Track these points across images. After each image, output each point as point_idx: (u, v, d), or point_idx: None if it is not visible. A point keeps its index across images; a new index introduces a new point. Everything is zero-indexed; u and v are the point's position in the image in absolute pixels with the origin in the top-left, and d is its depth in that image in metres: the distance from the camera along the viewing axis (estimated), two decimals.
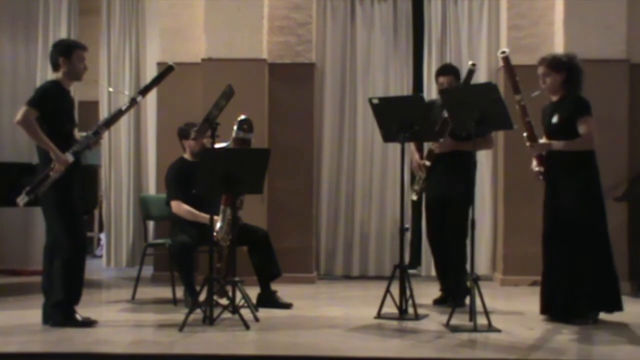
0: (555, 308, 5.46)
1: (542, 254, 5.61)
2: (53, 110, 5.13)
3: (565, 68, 5.49)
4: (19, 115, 5.09)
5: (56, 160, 5.04)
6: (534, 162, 5.63)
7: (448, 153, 6.00)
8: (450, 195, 5.99)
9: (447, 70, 6.25)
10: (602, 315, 5.46)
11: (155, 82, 5.56)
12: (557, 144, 5.43)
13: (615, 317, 5.45)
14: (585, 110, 5.43)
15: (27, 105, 5.11)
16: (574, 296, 5.36)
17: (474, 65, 6.08)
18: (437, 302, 6.14)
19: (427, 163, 6.07)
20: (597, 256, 5.38)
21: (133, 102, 5.40)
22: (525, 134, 5.52)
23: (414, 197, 6.21)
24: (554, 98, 5.57)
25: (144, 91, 5.50)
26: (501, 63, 5.51)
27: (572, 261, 5.36)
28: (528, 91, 5.57)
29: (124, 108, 5.40)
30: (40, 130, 5.05)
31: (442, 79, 6.14)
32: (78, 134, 5.44)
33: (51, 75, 8.00)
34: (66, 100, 5.29)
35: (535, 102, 5.60)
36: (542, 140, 5.52)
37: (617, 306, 5.43)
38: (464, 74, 6.32)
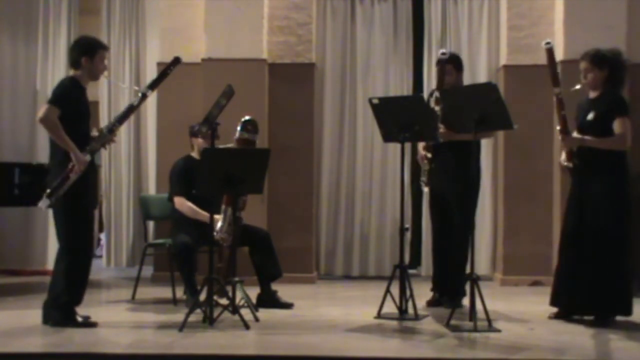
0: (568, 306, 5.45)
1: (558, 249, 5.59)
2: (72, 109, 5.10)
3: (608, 65, 5.38)
4: (40, 113, 5.07)
5: (76, 161, 5.01)
6: (563, 157, 5.54)
7: (447, 145, 5.88)
8: (450, 193, 5.98)
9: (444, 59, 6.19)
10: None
11: (164, 74, 5.48)
12: (590, 140, 5.34)
13: (618, 317, 5.44)
14: (622, 110, 5.34)
15: (49, 103, 5.08)
16: (588, 296, 5.32)
17: (443, 53, 6.01)
18: (432, 304, 6.09)
19: (428, 155, 6.01)
20: (616, 258, 5.29)
21: (143, 97, 5.38)
22: (558, 128, 5.45)
23: (425, 189, 6.13)
24: (592, 94, 5.47)
25: (153, 85, 5.46)
26: (545, 54, 5.41)
27: (591, 261, 5.30)
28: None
29: (135, 103, 5.38)
30: (62, 130, 5.02)
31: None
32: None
33: (52, 71, 8.14)
34: (84, 99, 5.26)
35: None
36: (575, 135, 5.45)
37: (626, 310, 5.36)
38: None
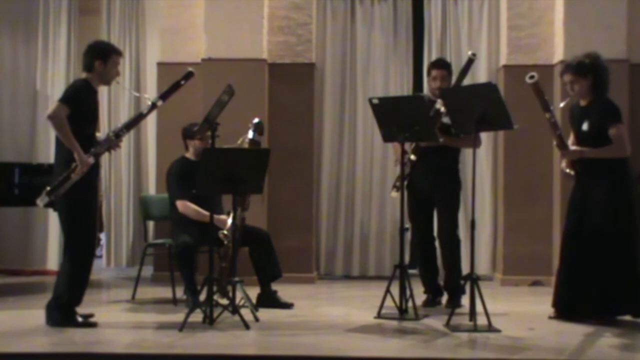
0: (570, 308, 5.45)
1: (560, 251, 5.59)
2: (81, 111, 5.11)
3: (590, 72, 5.39)
4: (50, 110, 5.09)
5: (79, 162, 5.01)
6: (564, 164, 5.57)
7: (433, 149, 5.87)
8: (438, 192, 5.99)
9: (441, 64, 6.19)
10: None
11: (176, 86, 5.45)
12: (589, 152, 5.36)
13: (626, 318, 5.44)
14: (615, 117, 5.35)
15: (60, 101, 5.09)
16: (590, 298, 5.33)
17: (474, 54, 5.97)
18: (427, 305, 6.06)
19: (412, 157, 5.94)
20: (619, 260, 5.29)
21: (153, 106, 5.38)
22: (555, 143, 5.49)
23: (394, 194, 5.95)
24: (583, 102, 5.47)
25: (164, 96, 5.43)
26: (531, 88, 5.40)
27: (593, 263, 5.30)
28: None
29: (145, 112, 5.40)
30: (69, 129, 5.02)
31: (435, 72, 6.08)
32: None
33: (52, 71, 8.16)
34: (94, 101, 5.28)
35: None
36: (573, 147, 5.45)
37: (634, 310, 5.37)
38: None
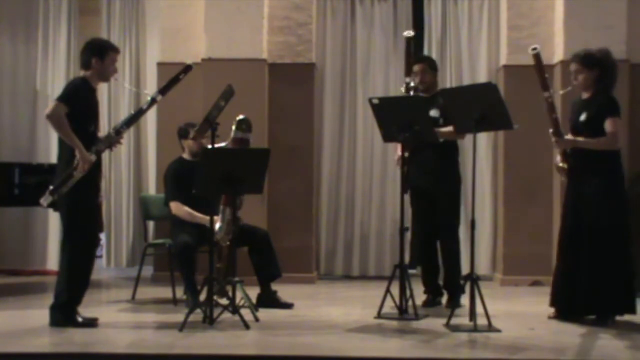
0: (568, 307, 5.45)
1: (557, 251, 5.60)
2: (80, 109, 5.11)
3: (598, 65, 5.40)
4: (48, 109, 5.10)
5: (81, 159, 5.02)
6: (558, 158, 5.58)
7: (428, 146, 5.85)
8: (437, 190, 5.99)
9: (420, 58, 6.29)
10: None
11: (174, 81, 5.45)
12: (582, 142, 5.37)
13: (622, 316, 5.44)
14: (613, 111, 5.36)
15: (58, 100, 5.10)
16: (588, 296, 5.33)
17: (410, 33, 6.05)
18: (427, 304, 6.08)
19: (405, 154, 5.87)
20: (615, 257, 5.30)
21: (153, 101, 5.39)
22: (550, 130, 5.46)
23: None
24: (585, 95, 5.49)
25: (163, 90, 5.44)
26: (532, 60, 5.42)
27: (590, 261, 5.31)
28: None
29: (144, 107, 5.42)
30: (68, 126, 5.03)
31: (416, 67, 6.12)
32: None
33: (52, 71, 8.15)
34: (93, 99, 5.29)
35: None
36: (567, 137, 5.47)
37: (630, 309, 5.37)
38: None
